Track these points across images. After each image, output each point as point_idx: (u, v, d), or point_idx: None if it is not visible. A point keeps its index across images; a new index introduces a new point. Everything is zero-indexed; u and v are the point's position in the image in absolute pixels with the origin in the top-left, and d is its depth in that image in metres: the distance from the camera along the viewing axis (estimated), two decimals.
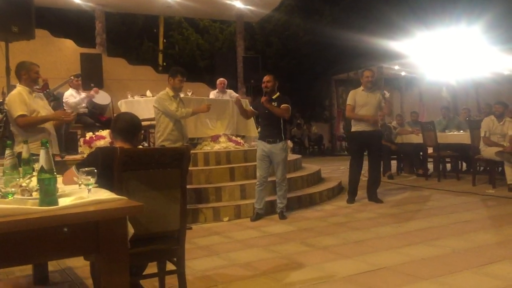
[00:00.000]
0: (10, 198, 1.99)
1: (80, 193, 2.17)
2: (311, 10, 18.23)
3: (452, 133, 9.18)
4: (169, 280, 3.25)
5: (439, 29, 13.32)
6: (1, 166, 2.47)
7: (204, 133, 7.69)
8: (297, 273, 3.72)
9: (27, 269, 3.81)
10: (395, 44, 13.80)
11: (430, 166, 9.60)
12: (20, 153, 2.51)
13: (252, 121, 8.36)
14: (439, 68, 14.89)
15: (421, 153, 9.58)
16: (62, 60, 11.11)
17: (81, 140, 6.92)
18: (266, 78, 5.88)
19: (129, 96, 8.14)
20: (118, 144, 2.91)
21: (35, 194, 2.04)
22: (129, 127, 3.02)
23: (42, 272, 3.68)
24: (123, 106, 7.88)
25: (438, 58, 13.93)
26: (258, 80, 12.30)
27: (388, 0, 16.74)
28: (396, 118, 10.27)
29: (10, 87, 5.37)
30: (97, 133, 6.88)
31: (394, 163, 9.92)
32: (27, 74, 4.57)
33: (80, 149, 6.89)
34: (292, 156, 8.56)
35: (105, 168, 2.57)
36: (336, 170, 10.84)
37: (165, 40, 20.06)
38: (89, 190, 2.11)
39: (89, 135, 6.87)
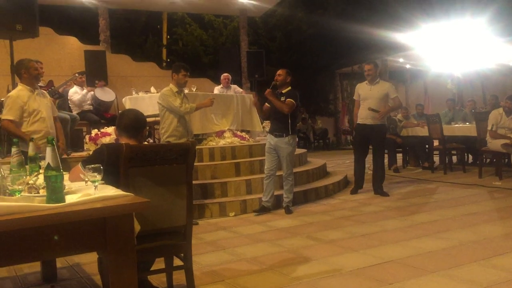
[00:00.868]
0: (18, 195, 2.01)
1: (86, 190, 2.18)
2: (315, 3, 18.14)
3: (458, 125, 9.14)
4: (176, 276, 3.26)
5: (444, 20, 13.22)
6: (8, 164, 2.48)
7: (210, 128, 7.69)
8: (304, 267, 3.72)
9: (35, 266, 3.83)
10: (400, 36, 13.72)
11: (436, 158, 9.56)
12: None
13: (257, 116, 8.36)
14: (444, 60, 14.80)
15: (427, 146, 9.54)
16: (66, 58, 11.13)
17: (87, 137, 6.94)
18: (278, 72, 5.96)
19: (133, 93, 8.15)
20: (124, 141, 2.92)
21: (42, 192, 2.06)
22: (134, 124, 3.03)
23: (50, 268, 3.71)
24: (128, 102, 7.89)
25: (443, 50, 13.85)
26: (262, 75, 12.31)
27: None
28: (401, 111, 10.20)
29: (15, 86, 5.39)
30: (102, 130, 6.89)
31: (399, 156, 9.90)
32: (26, 72, 4.60)
33: (86, 146, 6.91)
34: (297, 151, 8.53)
35: (111, 165, 2.58)
36: (341, 164, 10.82)
37: (168, 36, 20.06)
38: (95, 187, 2.12)
39: (94, 132, 6.89)
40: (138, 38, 18.87)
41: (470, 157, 9.95)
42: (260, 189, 6.26)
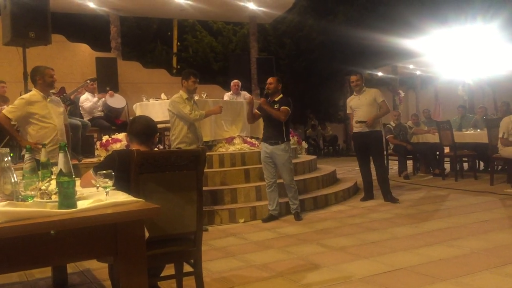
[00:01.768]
0: (30, 201, 2.03)
1: (98, 195, 2.19)
2: (325, 10, 18.17)
3: (469, 132, 9.07)
4: (186, 282, 3.26)
5: (454, 26, 13.17)
6: (19, 170, 2.51)
7: (219, 135, 7.72)
8: (314, 274, 3.71)
9: (46, 271, 3.86)
10: (410, 43, 13.69)
11: (447, 165, 9.50)
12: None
13: None
14: (455, 66, 14.73)
15: (437, 153, 9.48)
16: (78, 65, 11.25)
17: (98, 143, 6.99)
18: (269, 80, 5.99)
19: (144, 99, 8.20)
20: (134, 147, 2.94)
21: (54, 197, 2.07)
22: (145, 130, 3.05)
23: (61, 274, 3.73)
24: (138, 109, 7.94)
25: (454, 56, 13.79)
26: None
27: None
28: (412, 117, 10.19)
29: (28, 92, 5.46)
30: (113, 136, 6.94)
31: (410, 163, 9.84)
32: (42, 79, 4.65)
33: (96, 152, 6.96)
34: (307, 157, 8.55)
35: (122, 171, 2.59)
36: (351, 171, 10.78)
37: (179, 43, 20.19)
38: (106, 193, 2.13)
39: (105, 138, 6.94)
40: (148, 45, 19.02)
41: (482, 164, 9.86)
42: None
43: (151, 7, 12.78)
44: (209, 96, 8.49)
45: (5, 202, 1.94)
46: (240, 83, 9.51)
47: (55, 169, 2.45)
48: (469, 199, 6.76)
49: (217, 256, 4.36)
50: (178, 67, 19.45)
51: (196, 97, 6.21)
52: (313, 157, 8.78)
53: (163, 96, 8.18)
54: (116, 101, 8.65)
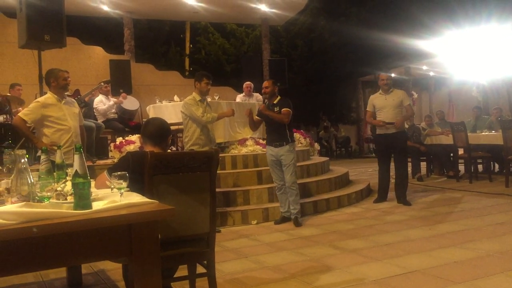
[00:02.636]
0: (46, 202, 2.05)
1: (112, 197, 2.21)
2: (337, 12, 18.12)
3: (484, 133, 8.97)
4: (199, 283, 3.28)
5: (468, 27, 13.04)
6: (34, 171, 2.54)
7: (232, 137, 7.74)
8: (327, 276, 3.70)
9: (61, 272, 3.90)
10: (423, 44, 13.58)
11: (461, 167, 9.41)
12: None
13: None
14: (469, 67, 14.57)
15: (451, 154, 9.39)
16: (92, 67, 11.36)
17: (112, 145, 7.05)
18: (265, 83, 5.96)
19: (157, 101, 8.25)
20: (148, 148, 2.96)
21: (70, 198, 2.10)
22: (159, 132, 3.08)
23: (76, 274, 3.76)
24: (151, 111, 7.99)
25: (468, 57, 13.64)
26: (284, 83, 12.33)
27: None
28: (425, 119, 10.10)
29: (43, 94, 5.53)
30: (126, 138, 6.99)
31: (423, 165, 9.76)
32: (56, 81, 4.71)
33: (110, 154, 7.02)
34: (319, 159, 8.53)
35: (136, 172, 2.61)
36: (364, 173, 10.73)
37: (191, 45, 20.28)
38: (121, 194, 2.15)
39: (119, 140, 7.00)
40: (161, 47, 19.13)
41: (496, 166, 9.75)
42: None
43: (164, 10, 12.86)
44: (222, 98, 8.51)
45: (22, 203, 1.97)
46: (252, 85, 9.53)
47: (70, 171, 2.48)
48: (484, 201, 6.69)
49: (230, 258, 4.37)
50: (191, 69, 19.53)
51: (208, 99, 6.24)
52: (326, 158, 8.76)
53: (176, 98, 8.22)
54: (130, 103, 8.72)
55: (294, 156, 5.78)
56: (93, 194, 2.16)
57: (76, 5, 11.11)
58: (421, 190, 7.95)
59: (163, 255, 2.45)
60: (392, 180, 6.95)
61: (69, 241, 1.89)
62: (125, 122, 8.41)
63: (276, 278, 3.72)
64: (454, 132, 8.80)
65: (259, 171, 6.78)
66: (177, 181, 2.75)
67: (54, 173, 2.62)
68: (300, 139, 8.72)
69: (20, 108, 6.49)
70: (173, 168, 2.74)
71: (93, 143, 6.78)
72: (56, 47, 6.59)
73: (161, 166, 2.68)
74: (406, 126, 9.46)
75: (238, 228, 5.69)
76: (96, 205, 2.01)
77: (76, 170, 1.95)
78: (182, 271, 3.24)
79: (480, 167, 9.41)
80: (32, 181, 2.13)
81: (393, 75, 18.81)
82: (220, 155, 6.32)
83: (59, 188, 2.19)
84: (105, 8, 11.88)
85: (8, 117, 6.50)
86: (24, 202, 2.01)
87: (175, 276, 3.15)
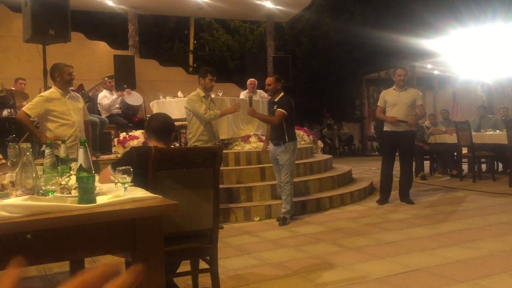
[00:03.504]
0: (51, 195, 2.06)
1: (116, 191, 2.21)
2: (342, 9, 18.07)
3: (488, 132, 8.94)
4: (202, 279, 3.28)
5: (473, 26, 12.99)
6: (38, 165, 2.54)
7: (236, 133, 7.73)
8: (329, 274, 3.70)
9: (64, 265, 3.91)
10: (428, 42, 13.53)
11: (465, 166, 9.38)
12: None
13: None
14: (473, 66, 14.53)
15: (455, 154, 9.37)
16: (96, 62, 11.37)
17: (115, 140, 7.06)
18: (267, 81, 5.83)
19: (161, 97, 8.25)
20: (152, 144, 2.96)
21: (74, 192, 2.10)
22: (163, 127, 3.08)
23: (79, 268, 3.77)
24: (155, 106, 7.99)
25: (473, 56, 13.60)
26: (288, 80, 12.31)
27: None
28: (429, 117, 10.06)
29: (47, 89, 5.53)
30: (130, 133, 7.00)
31: (427, 164, 9.74)
32: (60, 76, 4.71)
33: (114, 149, 7.03)
34: (322, 156, 8.53)
35: (140, 167, 2.61)
36: (367, 171, 10.72)
37: (195, 41, 20.25)
38: (125, 189, 2.15)
39: (122, 135, 7.01)
40: (165, 43, 19.11)
41: (500, 165, 9.72)
42: None
43: (168, 5, 12.86)
44: (225, 94, 8.50)
45: (26, 196, 1.97)
46: (256, 82, 9.50)
47: (74, 165, 2.48)
48: (487, 200, 6.67)
49: (232, 254, 4.38)
50: (195, 65, 19.49)
51: (212, 95, 6.23)
52: (329, 156, 8.75)
53: (179, 94, 8.22)
54: (134, 98, 8.73)
55: (289, 156, 5.61)
56: (97, 189, 2.17)
57: (81, 0, 11.11)
58: (425, 189, 7.93)
59: (166, 250, 2.46)
60: (395, 179, 6.94)
61: (73, 235, 1.89)
62: (129, 117, 8.42)
63: (279, 275, 3.73)
64: (458, 131, 8.77)
65: (262, 167, 6.77)
66: (181, 177, 2.76)
67: (58, 167, 2.63)
68: (304, 137, 8.70)
69: (25, 103, 6.49)
70: (177, 163, 2.74)
71: (97, 138, 6.79)
72: (60, 41, 6.59)
73: (165, 161, 2.69)
74: None
75: (240, 225, 5.69)
76: (100, 199, 2.01)
77: (80, 164, 1.95)
78: (185, 266, 3.24)
79: (483, 166, 9.38)
80: (37, 174, 2.14)
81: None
82: (224, 151, 6.32)
83: (63, 182, 2.19)
84: (110, 3, 11.87)
85: (12, 111, 6.52)
86: (29, 195, 2.01)
87: (177, 271, 3.16)
